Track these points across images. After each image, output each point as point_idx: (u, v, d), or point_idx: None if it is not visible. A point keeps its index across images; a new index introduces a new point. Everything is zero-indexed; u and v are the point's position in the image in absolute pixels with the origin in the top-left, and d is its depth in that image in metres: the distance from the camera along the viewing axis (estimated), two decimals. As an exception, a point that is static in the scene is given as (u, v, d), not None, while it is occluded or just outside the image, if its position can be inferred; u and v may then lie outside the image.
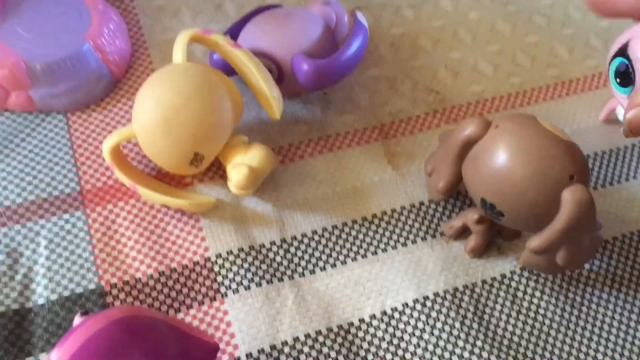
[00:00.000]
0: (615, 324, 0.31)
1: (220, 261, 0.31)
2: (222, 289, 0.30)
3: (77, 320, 0.23)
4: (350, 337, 0.29)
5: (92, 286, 0.29)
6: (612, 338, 0.31)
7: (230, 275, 0.30)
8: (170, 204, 0.31)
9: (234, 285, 0.30)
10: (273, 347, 0.29)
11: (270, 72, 0.33)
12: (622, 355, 0.30)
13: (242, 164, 0.30)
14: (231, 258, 0.31)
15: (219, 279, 0.30)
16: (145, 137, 0.30)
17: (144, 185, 0.31)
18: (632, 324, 0.31)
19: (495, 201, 0.28)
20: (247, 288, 0.30)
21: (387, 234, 0.33)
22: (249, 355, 0.28)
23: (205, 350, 0.24)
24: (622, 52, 0.27)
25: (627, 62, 0.27)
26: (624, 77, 0.27)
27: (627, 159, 0.37)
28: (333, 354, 0.29)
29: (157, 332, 0.23)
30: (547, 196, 0.27)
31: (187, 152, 0.30)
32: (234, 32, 0.35)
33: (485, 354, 0.29)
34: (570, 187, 0.27)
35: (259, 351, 0.28)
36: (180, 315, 0.29)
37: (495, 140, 0.28)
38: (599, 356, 0.30)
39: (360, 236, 0.32)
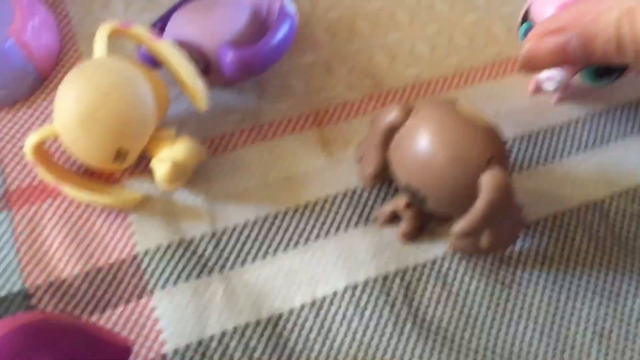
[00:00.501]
0: (544, 303, 0.31)
1: (148, 257, 0.31)
2: (150, 286, 0.30)
3: None
4: (279, 329, 0.29)
5: (16, 289, 0.29)
6: (541, 317, 0.31)
7: (158, 271, 0.30)
8: (96, 201, 0.30)
9: (161, 281, 0.30)
10: (200, 342, 0.29)
11: (197, 63, 0.32)
12: (549, 335, 0.30)
13: (166, 158, 0.30)
14: (159, 253, 0.31)
15: (147, 275, 0.30)
16: (66, 135, 0.30)
17: (69, 184, 0.30)
18: (561, 303, 0.31)
19: (418, 186, 0.28)
20: (175, 283, 0.30)
21: (320, 222, 0.33)
22: (175, 351, 0.28)
23: (117, 352, 0.24)
24: (526, 16, 0.27)
25: (532, 25, 0.27)
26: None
27: (562, 137, 0.37)
28: (261, 346, 0.29)
29: (64, 337, 0.23)
30: (466, 180, 0.27)
31: (110, 148, 0.29)
32: (164, 22, 0.35)
33: (413, 338, 0.30)
34: (487, 172, 0.27)
35: (186, 347, 0.28)
36: (107, 314, 0.29)
37: (416, 126, 0.28)
38: (527, 334, 0.30)
39: (293, 225, 0.32)
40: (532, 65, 0.26)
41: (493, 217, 0.28)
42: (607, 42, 0.24)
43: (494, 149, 0.27)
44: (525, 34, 0.29)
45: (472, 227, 0.28)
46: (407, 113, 0.29)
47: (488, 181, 0.27)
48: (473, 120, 0.28)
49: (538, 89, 0.37)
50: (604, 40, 0.24)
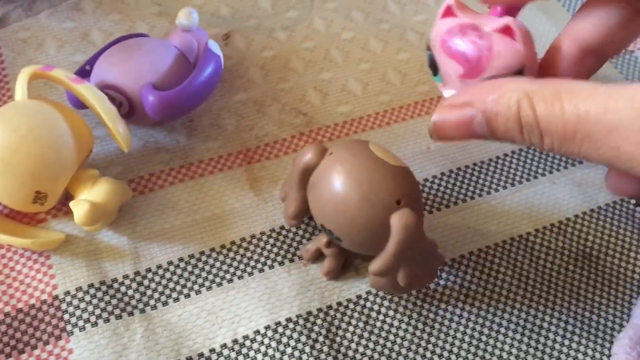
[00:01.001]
0: (467, 339, 0.32)
1: (68, 298, 0.30)
2: (69, 327, 0.30)
3: None
4: (197, 369, 0.30)
5: None
6: (463, 353, 0.31)
7: (78, 312, 0.30)
8: (14, 243, 0.30)
9: (80, 323, 0.30)
10: (117, 384, 0.29)
11: (121, 105, 0.33)
12: (470, 370, 0.31)
13: (84, 200, 0.30)
14: (80, 295, 0.31)
15: (66, 317, 0.30)
16: (-16, 178, 0.30)
17: (-13, 226, 0.30)
18: (483, 338, 0.32)
19: (332, 227, 0.29)
20: (95, 325, 0.30)
21: (245, 260, 0.33)
22: (91, 394, 0.28)
23: None
24: (427, 46, 0.28)
25: (431, 53, 0.28)
26: (433, 67, 0.28)
27: (490, 172, 0.37)
28: (178, 387, 0.29)
29: None
30: (377, 220, 0.28)
31: (28, 191, 0.30)
32: (93, 63, 0.35)
33: (333, 378, 0.30)
34: (396, 212, 0.27)
35: (102, 389, 0.28)
36: (24, 357, 0.29)
37: (329, 167, 0.29)
38: (448, 372, 0.31)
39: (218, 264, 0.33)
40: (440, 135, 0.27)
41: (405, 256, 0.28)
42: (510, 122, 0.24)
43: (404, 190, 0.28)
44: (429, 62, 0.30)
45: (386, 266, 0.28)
46: (321, 153, 0.29)
47: (396, 222, 0.27)
48: (384, 160, 0.28)
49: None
50: (506, 120, 0.24)
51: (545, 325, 0.33)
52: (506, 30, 0.26)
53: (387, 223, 0.28)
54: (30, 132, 0.29)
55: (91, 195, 0.31)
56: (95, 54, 0.36)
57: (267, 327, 0.31)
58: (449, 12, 0.31)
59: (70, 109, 0.32)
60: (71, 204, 0.30)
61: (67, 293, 0.31)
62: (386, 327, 0.32)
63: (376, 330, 0.31)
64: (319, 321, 0.31)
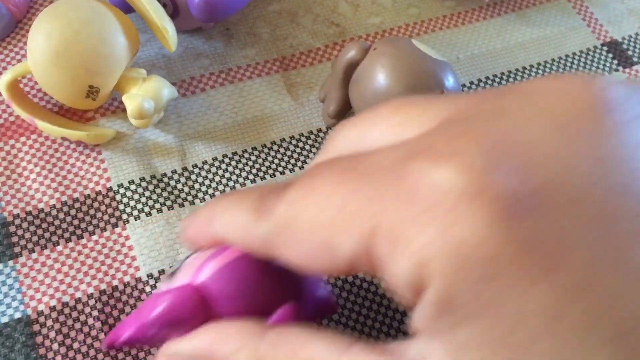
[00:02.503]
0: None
1: (122, 190, 0.32)
2: (124, 216, 0.31)
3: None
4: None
5: (-6, 217, 0.30)
6: None
7: (132, 203, 0.32)
8: (69, 136, 0.32)
9: (135, 213, 0.32)
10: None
11: (165, 6, 0.34)
12: None
13: (136, 94, 0.31)
14: (133, 187, 0.32)
15: (121, 207, 0.32)
16: (39, 72, 0.31)
17: (42, 119, 0.32)
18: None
19: (375, 120, 0.30)
20: (149, 214, 0.32)
21: (285, 158, 0.34)
22: (149, 275, 0.30)
23: (328, 308, 0.26)
24: None
25: None
26: None
27: (518, 80, 0.39)
28: (230, 270, 0.31)
29: (298, 276, 0.24)
30: (420, 112, 0.29)
31: (81, 85, 0.31)
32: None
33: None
34: (439, 102, 0.29)
35: (159, 272, 0.30)
36: (83, 242, 0.30)
37: (373, 61, 0.30)
38: None
39: (260, 161, 0.34)
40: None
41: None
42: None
43: (447, 81, 0.29)
44: None
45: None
46: (365, 50, 0.31)
47: (440, 111, 0.29)
48: (427, 55, 0.30)
49: None
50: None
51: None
52: None
53: (429, 114, 0.29)
54: (83, 26, 0.30)
55: (141, 91, 0.32)
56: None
57: (310, 219, 0.32)
58: None
59: (117, 9, 0.32)
60: (124, 98, 0.32)
61: (121, 185, 0.32)
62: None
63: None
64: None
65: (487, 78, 0.39)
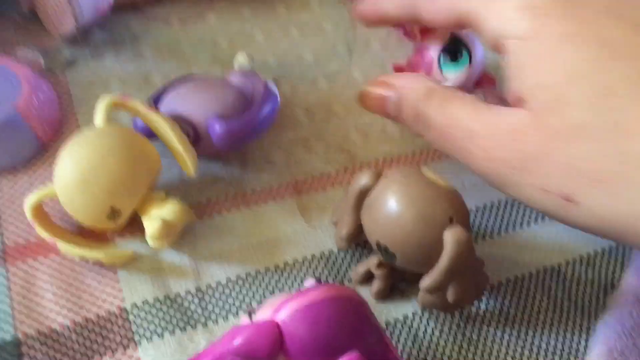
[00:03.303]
0: (509, 358, 0.33)
1: (135, 311, 0.32)
2: (137, 337, 0.31)
3: (310, 283, 0.28)
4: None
5: (8, 337, 0.30)
6: (506, 372, 0.33)
7: (145, 324, 0.32)
8: (87, 256, 0.32)
9: (148, 334, 0.32)
10: (183, 390, 0.30)
11: (187, 135, 0.36)
12: (514, 387, 0.32)
13: (156, 217, 0.32)
14: (146, 307, 0.32)
15: (134, 327, 0.32)
16: (65, 195, 0.32)
17: (63, 240, 0.33)
18: (524, 358, 0.33)
19: (387, 243, 0.31)
20: (161, 336, 0.32)
21: (299, 279, 0.35)
22: (159, 398, 0.30)
23: None
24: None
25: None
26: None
27: (522, 208, 0.40)
28: (241, 394, 0.30)
29: (372, 329, 0.27)
30: (430, 236, 0.30)
31: (104, 206, 0.32)
32: (156, 100, 0.38)
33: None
34: (449, 228, 0.30)
35: (169, 394, 0.30)
36: (94, 363, 0.30)
37: (385, 188, 0.31)
38: (493, 388, 0.32)
39: (273, 282, 0.35)
40: (362, 104, 0.34)
41: (457, 271, 0.30)
42: (410, 109, 0.31)
43: (455, 208, 0.30)
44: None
45: (438, 282, 0.31)
46: (377, 177, 0.32)
47: (450, 237, 0.30)
48: (436, 183, 0.31)
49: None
50: (409, 107, 0.31)
51: (582, 348, 0.34)
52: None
53: (440, 240, 0.30)
54: (110, 152, 0.32)
55: (161, 213, 0.33)
56: (158, 91, 0.39)
57: (322, 342, 0.32)
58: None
59: (140, 134, 0.34)
60: (144, 219, 0.33)
61: (134, 305, 0.32)
62: (433, 346, 0.33)
63: (423, 349, 0.33)
64: (369, 338, 0.33)
65: (492, 204, 0.40)
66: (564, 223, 0.28)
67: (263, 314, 0.27)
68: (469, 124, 0.29)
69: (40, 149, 0.38)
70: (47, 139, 0.38)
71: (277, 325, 0.26)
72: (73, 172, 0.31)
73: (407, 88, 0.31)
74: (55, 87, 0.41)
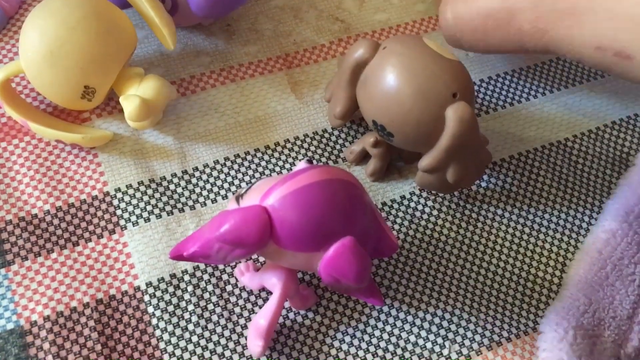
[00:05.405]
0: (509, 237, 0.32)
1: (119, 195, 0.31)
2: (122, 222, 0.30)
3: (302, 165, 0.26)
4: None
5: (-14, 224, 0.29)
6: (505, 250, 0.32)
7: (130, 208, 0.30)
8: (63, 138, 0.30)
9: (133, 218, 0.30)
10: (173, 276, 0.29)
11: (163, 3, 0.32)
12: (513, 265, 0.32)
13: (134, 95, 0.30)
14: (131, 191, 0.31)
15: (118, 212, 0.30)
16: (32, 71, 0.29)
17: (36, 121, 0.30)
18: (525, 236, 0.32)
19: (384, 122, 0.29)
20: (147, 220, 0.30)
21: (290, 160, 0.33)
22: (148, 284, 0.29)
23: (389, 247, 0.27)
24: None
25: None
26: None
27: (528, 80, 0.38)
28: (233, 280, 0.29)
29: (365, 210, 0.25)
30: (431, 114, 0.28)
31: (76, 85, 0.29)
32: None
33: (381, 271, 0.30)
34: (452, 105, 0.27)
35: (158, 280, 0.29)
36: (79, 249, 0.29)
37: (382, 61, 0.29)
38: (492, 268, 0.31)
39: (263, 163, 0.33)
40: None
41: (458, 150, 0.28)
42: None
43: (460, 83, 0.28)
44: None
45: (438, 162, 0.29)
46: (374, 48, 0.29)
47: (453, 114, 0.27)
48: (440, 54, 0.28)
49: None
50: None
51: (585, 225, 0.33)
52: None
53: (441, 117, 0.28)
54: (78, 24, 0.29)
55: (139, 91, 0.30)
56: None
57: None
58: None
59: (113, 5, 0.31)
60: (121, 99, 0.30)
61: (118, 190, 0.31)
62: (430, 225, 0.32)
63: (420, 229, 0.32)
64: (365, 219, 0.32)
65: (498, 76, 0.37)
66: (621, 78, 0.29)
67: (251, 199, 0.25)
68: None
69: (6, 22, 0.34)
70: (12, 10, 0.35)
71: (266, 211, 0.24)
72: (38, 47, 0.28)
73: None
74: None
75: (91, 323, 0.27)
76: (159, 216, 0.30)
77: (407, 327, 0.29)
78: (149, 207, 0.30)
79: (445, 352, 0.29)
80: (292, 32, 0.37)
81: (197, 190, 0.31)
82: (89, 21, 0.29)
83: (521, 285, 0.31)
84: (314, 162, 0.33)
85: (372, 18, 0.39)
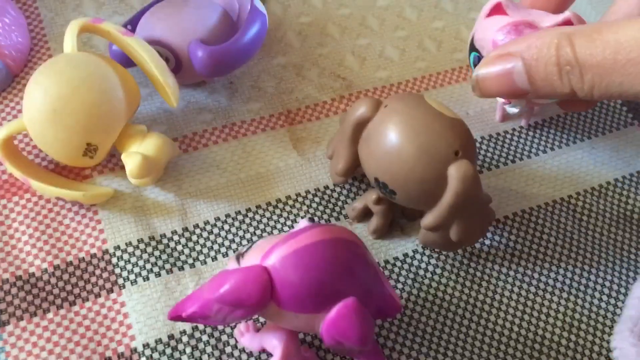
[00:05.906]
0: (514, 296, 0.32)
1: (118, 253, 0.30)
2: (120, 281, 0.30)
3: (303, 223, 0.26)
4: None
5: (-18, 283, 0.29)
6: (511, 310, 0.31)
7: (129, 266, 0.30)
8: (64, 196, 0.30)
9: (132, 277, 0.30)
10: (171, 337, 0.28)
11: (167, 61, 0.33)
12: (520, 326, 0.31)
13: (136, 152, 0.30)
14: (130, 249, 0.30)
15: (117, 270, 0.30)
16: (35, 129, 0.29)
17: (37, 179, 0.30)
18: (531, 295, 0.32)
19: (386, 179, 0.29)
20: (146, 279, 0.30)
21: (292, 217, 0.33)
22: (145, 345, 0.28)
23: (392, 307, 0.26)
24: (472, 46, 0.28)
25: (478, 54, 0.28)
26: None
27: (529, 137, 0.38)
28: (232, 341, 0.29)
29: (368, 270, 0.25)
30: (434, 172, 0.28)
31: (79, 142, 0.29)
32: (134, 24, 0.35)
33: (384, 332, 0.30)
34: (454, 163, 0.27)
35: (156, 341, 0.28)
36: (75, 308, 0.29)
37: (384, 119, 0.29)
38: (498, 328, 0.31)
39: (264, 220, 0.32)
40: (483, 90, 0.27)
41: (461, 208, 0.28)
42: (548, 65, 0.24)
43: (462, 141, 0.28)
44: (474, 63, 0.31)
45: (441, 219, 0.28)
46: (376, 106, 0.29)
47: (455, 172, 0.27)
48: (441, 112, 0.28)
49: (505, 117, 0.38)
50: (545, 64, 0.24)
51: (591, 284, 0.33)
52: (567, 24, 0.27)
53: (444, 175, 0.28)
54: (82, 83, 0.29)
55: (142, 149, 0.30)
56: (136, 14, 0.35)
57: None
58: (496, 10, 0.32)
59: (117, 63, 0.31)
60: (123, 157, 0.30)
61: (117, 247, 0.30)
62: (434, 284, 0.32)
63: (424, 287, 0.31)
64: (367, 278, 0.31)
65: (498, 134, 0.37)
66: None
67: (252, 258, 0.25)
68: None
69: (10, 79, 0.35)
70: (17, 68, 0.35)
71: (267, 271, 0.24)
72: (42, 105, 0.29)
73: (534, 47, 0.25)
74: (23, 9, 0.38)
75: (86, 386, 0.27)
76: (158, 274, 0.30)
77: (411, 390, 0.28)
78: (148, 266, 0.30)
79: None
80: (295, 89, 0.38)
81: (198, 247, 0.31)
82: (93, 80, 0.29)
83: (528, 347, 0.30)
84: (316, 219, 0.33)
85: (374, 75, 0.39)
